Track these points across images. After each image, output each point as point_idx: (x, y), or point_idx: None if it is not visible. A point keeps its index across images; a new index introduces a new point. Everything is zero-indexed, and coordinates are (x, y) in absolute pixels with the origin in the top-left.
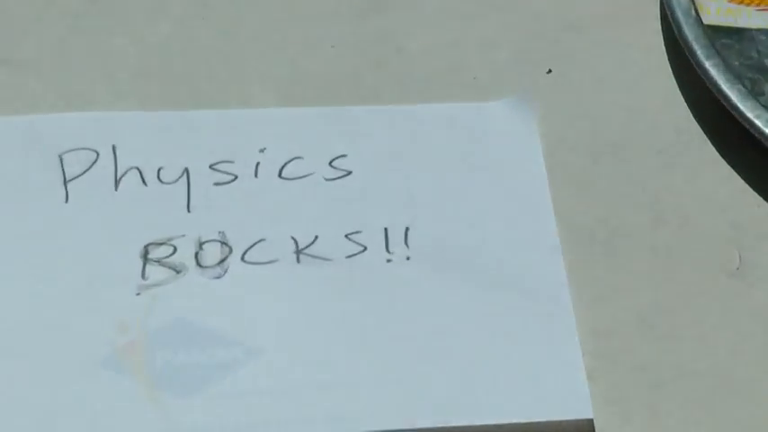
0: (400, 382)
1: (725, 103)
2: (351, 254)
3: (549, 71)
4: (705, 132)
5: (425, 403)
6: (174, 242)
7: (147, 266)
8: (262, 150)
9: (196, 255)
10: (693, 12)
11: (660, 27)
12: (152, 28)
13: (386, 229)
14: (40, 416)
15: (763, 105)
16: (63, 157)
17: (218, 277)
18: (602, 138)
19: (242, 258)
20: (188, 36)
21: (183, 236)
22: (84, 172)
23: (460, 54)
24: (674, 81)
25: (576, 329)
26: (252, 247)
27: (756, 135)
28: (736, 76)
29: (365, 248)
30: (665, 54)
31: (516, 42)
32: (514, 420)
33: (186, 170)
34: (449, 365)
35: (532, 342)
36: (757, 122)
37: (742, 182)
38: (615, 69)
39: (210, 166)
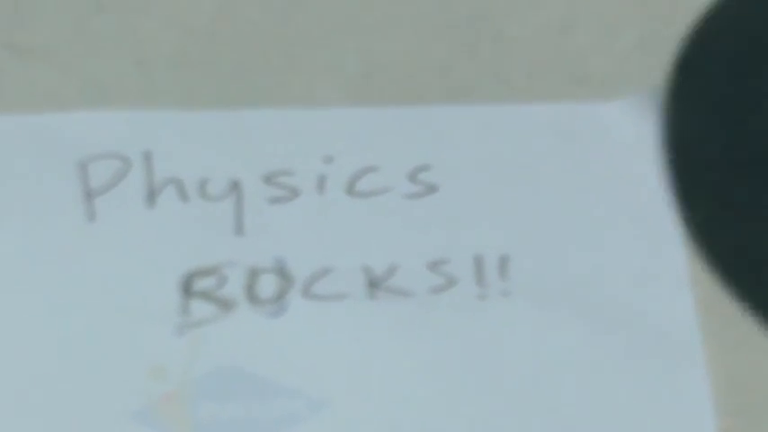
0: None
1: None
2: (436, 288)
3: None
4: None
5: None
6: (221, 272)
7: (190, 301)
8: (328, 160)
9: (249, 287)
10: None
11: None
12: (193, 8)
13: (478, 259)
14: None
15: None
16: (87, 165)
17: (275, 315)
18: (741, 147)
19: (304, 293)
20: (237, 17)
21: (233, 264)
22: (113, 184)
23: (570, 41)
24: None
25: (707, 381)
26: (317, 278)
27: None
28: None
29: (453, 282)
30: None
31: (640, 27)
32: None
33: (236, 183)
34: (554, 424)
35: (654, 396)
36: None
37: None
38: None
39: (265, 179)
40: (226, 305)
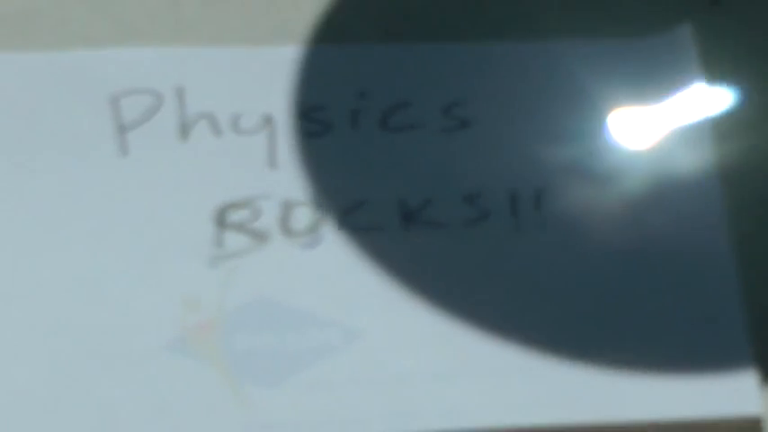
0: (532, 374)
1: None
2: (470, 220)
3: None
4: None
5: (564, 397)
6: (255, 204)
7: (224, 233)
8: (361, 95)
9: (282, 219)
10: None
11: None
12: None
13: (513, 192)
14: (99, 406)
15: None
16: (119, 101)
17: (309, 246)
18: None
19: (339, 224)
20: None
21: (267, 197)
22: (145, 120)
23: None
24: None
25: (743, 314)
26: (350, 210)
27: None
28: None
29: (488, 214)
30: None
31: None
32: (669, 416)
33: (269, 118)
34: (591, 356)
35: (690, 329)
36: None
37: None
38: None
39: (299, 114)
40: (260, 237)
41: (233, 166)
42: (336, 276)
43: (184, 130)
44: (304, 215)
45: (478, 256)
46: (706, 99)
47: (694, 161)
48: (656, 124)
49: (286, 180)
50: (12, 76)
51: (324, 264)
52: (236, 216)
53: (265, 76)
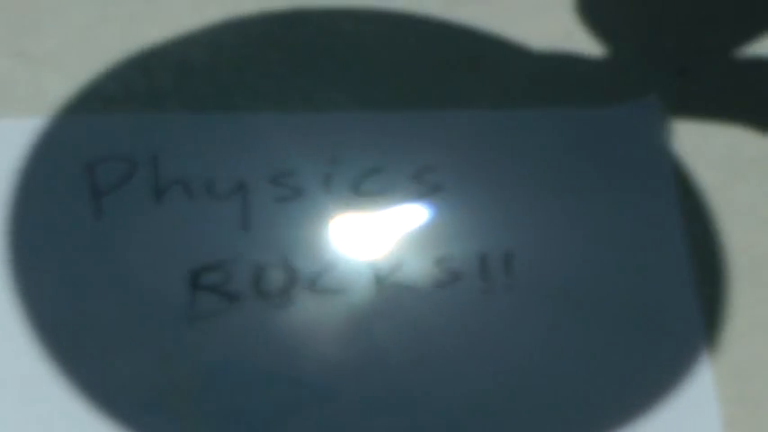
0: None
1: None
2: (441, 283)
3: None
4: None
5: None
6: (228, 267)
7: (197, 294)
8: (333, 161)
9: (255, 282)
10: None
11: None
12: (195, 20)
13: (483, 255)
14: None
15: None
16: (94, 167)
17: (281, 307)
18: (750, 152)
19: (310, 287)
20: (241, 23)
21: (240, 260)
22: (120, 185)
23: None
24: None
25: (711, 372)
26: (322, 273)
27: None
28: None
29: (458, 277)
30: None
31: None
32: None
33: (242, 182)
34: (558, 415)
35: (658, 388)
36: None
37: None
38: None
39: (271, 180)
40: (232, 298)
41: (206, 229)
42: (309, 336)
43: (158, 194)
44: (276, 277)
45: (449, 318)
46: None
47: (659, 221)
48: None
49: (258, 243)
50: None
51: (295, 324)
52: (209, 278)
53: (238, 143)
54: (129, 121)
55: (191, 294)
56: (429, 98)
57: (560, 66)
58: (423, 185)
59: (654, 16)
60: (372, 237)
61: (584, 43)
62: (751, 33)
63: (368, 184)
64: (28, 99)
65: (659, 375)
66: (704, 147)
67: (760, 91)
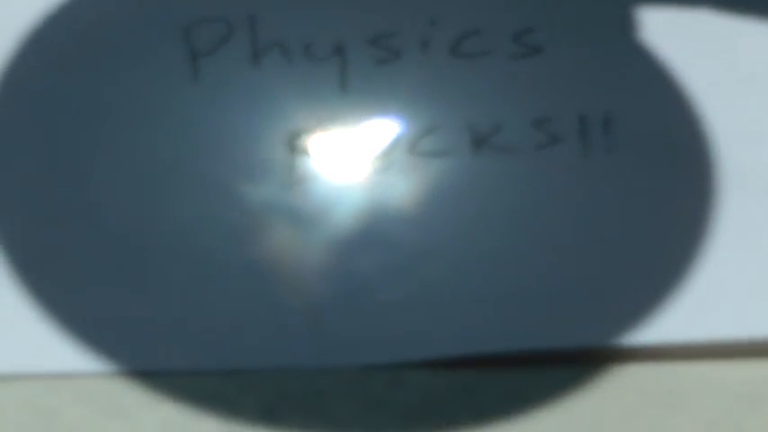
0: (601, 297)
1: None
2: (540, 145)
3: None
4: None
5: (637, 319)
6: (329, 131)
7: (295, 158)
8: (432, 22)
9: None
10: None
11: None
12: None
13: (582, 117)
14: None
15: None
16: (190, 29)
17: (382, 171)
18: None
19: (410, 149)
20: None
21: (339, 123)
22: (216, 47)
23: None
24: None
25: None
26: (422, 136)
27: None
28: None
29: (557, 139)
30: None
31: None
32: (747, 336)
33: (340, 47)
34: (662, 279)
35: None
36: None
37: None
38: None
39: (370, 41)
40: (334, 161)
41: (305, 92)
42: (408, 200)
43: (256, 56)
44: (376, 140)
45: (548, 181)
46: None
47: None
48: None
49: (357, 106)
50: (85, 6)
51: (395, 188)
52: (309, 142)
53: (337, 3)
54: None
55: (290, 158)
56: None
57: None
58: (522, 47)
59: None
60: (471, 99)
61: None
62: None
63: (466, 46)
64: None
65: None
66: None
67: None
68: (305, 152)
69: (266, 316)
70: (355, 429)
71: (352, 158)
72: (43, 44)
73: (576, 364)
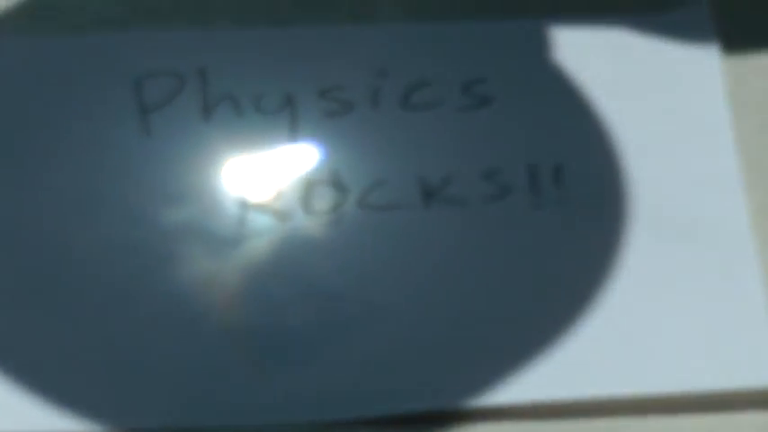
0: (553, 346)
1: None
2: (490, 197)
3: None
4: None
5: (586, 371)
6: (278, 184)
7: (247, 212)
8: (382, 74)
9: (304, 199)
10: None
11: None
12: None
13: (532, 168)
14: (130, 373)
15: None
16: (142, 82)
17: (330, 225)
18: None
19: (359, 203)
20: None
21: (289, 177)
22: (168, 101)
23: None
24: None
25: (760, 278)
26: (371, 189)
27: None
28: None
29: (507, 190)
30: None
31: None
32: (689, 389)
33: (290, 97)
34: (611, 329)
35: (709, 297)
36: None
37: None
38: None
39: (320, 94)
40: (282, 216)
41: (255, 145)
42: (358, 253)
43: (207, 110)
44: (325, 194)
45: (499, 233)
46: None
47: (712, 132)
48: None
49: (307, 160)
50: (37, 59)
51: (346, 241)
52: (258, 196)
53: (287, 57)
54: (177, 36)
55: (241, 212)
56: (478, 7)
57: None
58: (471, 98)
59: None
60: (421, 151)
61: None
62: None
63: (416, 97)
64: (74, 15)
65: (710, 282)
66: (754, 53)
67: None
68: (255, 206)
69: (208, 370)
70: None
71: (301, 211)
72: None
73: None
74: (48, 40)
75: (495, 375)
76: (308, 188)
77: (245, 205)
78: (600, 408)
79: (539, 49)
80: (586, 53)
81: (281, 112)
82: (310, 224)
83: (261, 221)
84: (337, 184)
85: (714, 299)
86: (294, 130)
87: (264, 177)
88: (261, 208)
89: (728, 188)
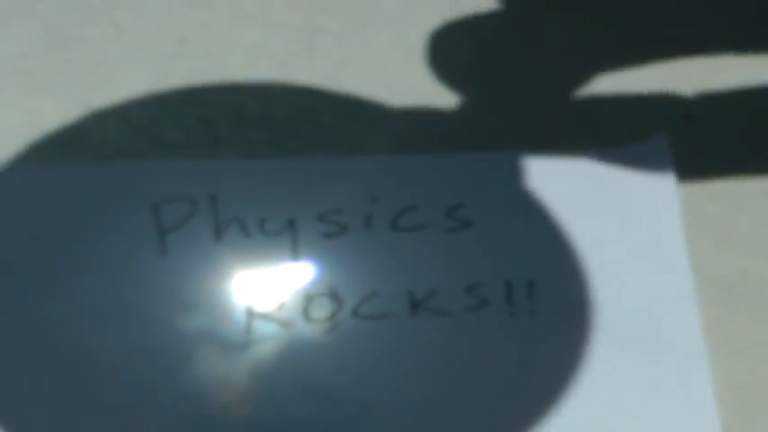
0: None
1: None
2: (471, 308)
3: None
4: None
5: None
6: (281, 296)
7: (253, 321)
8: (374, 200)
9: (305, 309)
10: None
11: None
12: (249, 72)
13: (508, 283)
14: None
15: None
16: (159, 207)
17: (328, 332)
18: (744, 187)
19: (353, 313)
20: (291, 77)
21: (291, 290)
22: (182, 224)
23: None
24: None
25: (712, 384)
26: (364, 300)
27: None
28: None
29: (486, 302)
30: None
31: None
32: None
33: (292, 222)
34: (562, 419)
35: (660, 394)
36: None
37: None
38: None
39: (318, 218)
40: (285, 324)
41: (260, 262)
42: (352, 358)
43: (217, 232)
44: (323, 305)
45: (479, 339)
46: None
47: (668, 253)
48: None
49: (307, 275)
50: (65, 186)
51: (341, 346)
52: (263, 306)
53: (288, 185)
54: (190, 166)
55: (248, 321)
56: (458, 141)
57: (587, 112)
58: (454, 221)
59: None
60: (409, 268)
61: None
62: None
63: (404, 221)
64: (99, 148)
65: (665, 386)
66: (708, 181)
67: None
68: (260, 315)
69: None
70: None
71: (302, 320)
72: (25, 217)
73: None
74: (75, 169)
75: None
76: (308, 300)
77: (251, 314)
78: None
79: (513, 178)
80: (556, 182)
81: (283, 234)
82: (310, 331)
83: (266, 329)
84: (334, 296)
85: (669, 403)
86: (295, 249)
87: (269, 290)
88: (266, 317)
89: (683, 303)
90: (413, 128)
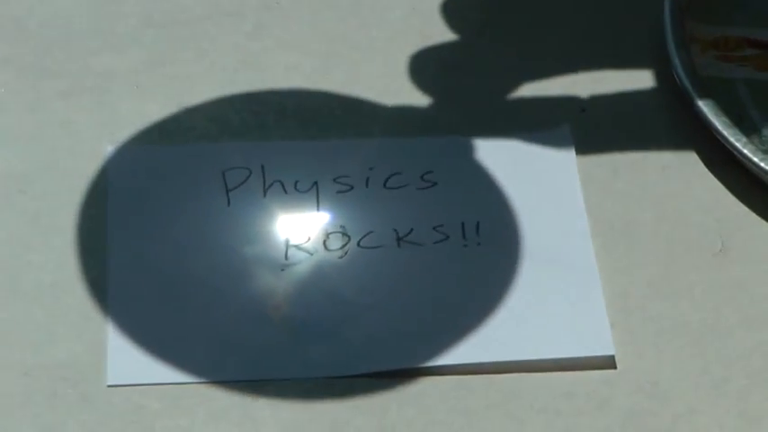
0: (466, 326)
1: (714, 132)
2: (437, 241)
3: (583, 110)
4: (698, 154)
5: (481, 342)
6: (308, 234)
7: (288, 250)
8: (371, 168)
9: (324, 242)
10: (691, 67)
11: (666, 76)
12: (288, 81)
13: (462, 224)
14: (219, 341)
15: (742, 132)
16: (225, 173)
17: (340, 258)
18: (622, 158)
19: (357, 244)
20: (315, 85)
21: (315, 230)
22: (241, 184)
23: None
24: (678, 117)
25: (602, 292)
26: (364, 236)
27: (736, 154)
28: (723, 112)
29: (447, 237)
30: (668, 97)
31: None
32: (549, 356)
33: (316, 183)
34: (499, 315)
35: (566, 298)
36: (737, 144)
37: (725, 190)
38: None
39: (333, 180)
40: (310, 252)
41: (294, 211)
42: (358, 275)
43: (265, 190)
44: (337, 239)
45: (443, 263)
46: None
47: (569, 204)
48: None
49: (326, 219)
50: (162, 160)
51: (350, 268)
52: (296, 240)
53: (314, 158)
54: (247, 145)
55: (285, 251)
56: (432, 128)
57: (515, 108)
58: (426, 182)
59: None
60: (395, 214)
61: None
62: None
63: (392, 182)
64: (185, 132)
65: (565, 290)
66: (597, 155)
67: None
68: (294, 246)
69: (266, 342)
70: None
71: (323, 249)
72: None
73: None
74: (170, 148)
75: (442, 345)
76: (326, 236)
77: (288, 245)
78: (499, 368)
79: (467, 153)
80: (495, 156)
81: (310, 191)
82: (328, 257)
83: (298, 255)
84: (344, 234)
85: (571, 306)
86: (318, 201)
87: (300, 229)
88: (298, 247)
89: (581, 236)
90: (398, 119)
